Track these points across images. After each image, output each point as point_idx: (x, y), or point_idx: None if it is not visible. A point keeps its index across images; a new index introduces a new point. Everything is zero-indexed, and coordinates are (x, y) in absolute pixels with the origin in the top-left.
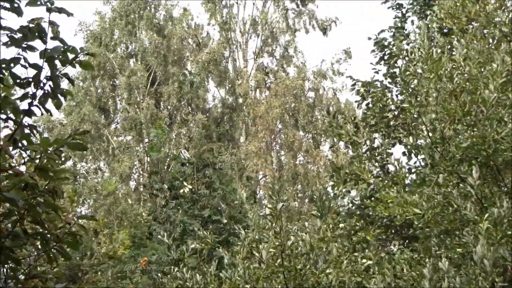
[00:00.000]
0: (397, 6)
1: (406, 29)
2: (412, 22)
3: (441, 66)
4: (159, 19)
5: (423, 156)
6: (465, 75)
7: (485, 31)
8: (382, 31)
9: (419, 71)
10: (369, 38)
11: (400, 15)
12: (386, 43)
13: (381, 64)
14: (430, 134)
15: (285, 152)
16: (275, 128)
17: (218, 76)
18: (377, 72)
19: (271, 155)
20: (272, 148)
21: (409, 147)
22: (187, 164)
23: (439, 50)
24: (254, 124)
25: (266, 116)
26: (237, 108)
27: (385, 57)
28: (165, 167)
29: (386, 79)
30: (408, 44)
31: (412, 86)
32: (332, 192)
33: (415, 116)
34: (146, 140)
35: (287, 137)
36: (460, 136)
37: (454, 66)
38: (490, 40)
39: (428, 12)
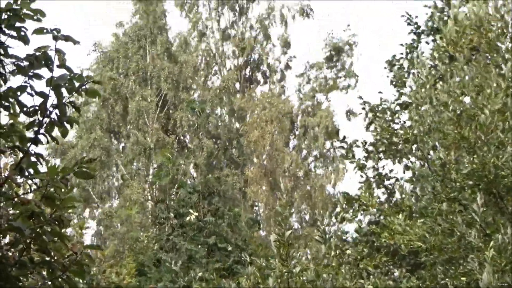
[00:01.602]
0: (415, 26)
1: (420, 49)
2: (427, 42)
3: (436, 95)
4: (172, 44)
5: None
6: (463, 101)
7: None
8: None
9: (412, 100)
10: (387, 62)
11: (414, 33)
12: (398, 65)
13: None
14: (431, 160)
15: (287, 176)
16: (272, 153)
17: (228, 103)
18: (385, 101)
19: (277, 180)
20: (275, 173)
21: (416, 172)
22: (193, 191)
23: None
24: (255, 149)
25: (261, 141)
26: (243, 134)
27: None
28: (172, 194)
29: (394, 104)
30: (416, 68)
31: (415, 113)
32: (337, 217)
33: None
34: (155, 165)
35: (284, 160)
36: (461, 164)
37: (450, 93)
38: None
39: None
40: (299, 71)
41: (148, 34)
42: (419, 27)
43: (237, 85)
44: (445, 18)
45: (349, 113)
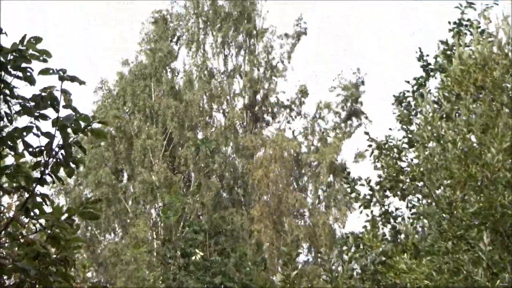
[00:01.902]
0: (425, 63)
1: (428, 86)
2: (435, 78)
3: (442, 133)
4: (178, 83)
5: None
6: (469, 140)
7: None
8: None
9: (418, 138)
10: (395, 97)
11: (423, 70)
12: (405, 102)
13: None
14: (436, 198)
15: (291, 215)
16: (276, 192)
17: (234, 142)
18: (392, 139)
19: (281, 219)
20: (279, 211)
21: (421, 210)
22: (200, 230)
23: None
24: (258, 188)
25: (265, 180)
26: (247, 173)
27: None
28: (178, 234)
29: (401, 142)
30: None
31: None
32: (344, 255)
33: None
34: (161, 204)
35: (288, 199)
36: (467, 203)
37: (457, 131)
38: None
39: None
40: (309, 104)
41: (153, 72)
42: (428, 64)
43: (245, 123)
44: (451, 54)
45: (357, 156)
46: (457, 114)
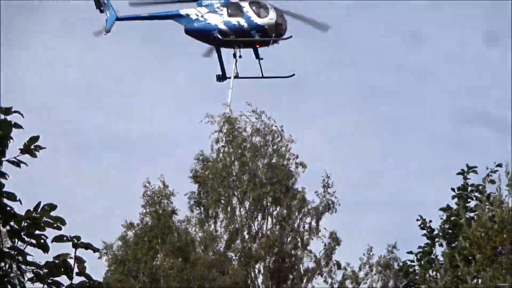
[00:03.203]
0: (428, 230)
1: (434, 253)
2: (441, 244)
3: None
4: (182, 243)
5: None
6: None
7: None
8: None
9: None
10: (399, 269)
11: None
12: (411, 270)
13: None
14: None
15: None
16: None
17: None
18: None
19: None
20: None
21: None
22: None
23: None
24: None
25: None
26: None
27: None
28: None
29: None
30: (433, 271)
31: None
32: None
33: None
34: None
35: None
36: None
37: None
38: None
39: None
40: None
41: (158, 234)
42: (432, 230)
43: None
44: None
45: None
46: (472, 278)
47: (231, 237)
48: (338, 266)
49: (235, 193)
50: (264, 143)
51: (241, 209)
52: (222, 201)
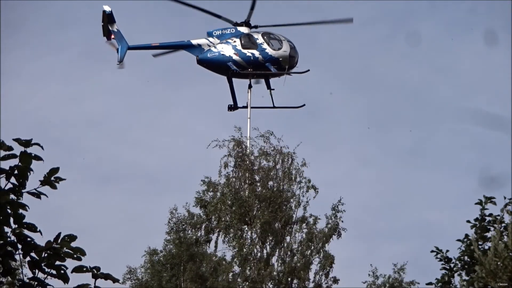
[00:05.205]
0: (445, 260)
1: (453, 284)
2: (460, 275)
3: None
4: (204, 271)
5: None
6: None
7: None
8: None
9: None
10: None
11: (447, 267)
12: None
13: None
14: None
15: None
16: None
17: None
18: None
19: None
20: None
21: None
22: None
23: None
24: None
25: None
26: None
27: None
28: None
29: None
30: None
31: None
32: None
33: None
34: None
35: None
36: None
37: None
38: None
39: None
40: None
41: (181, 262)
42: (449, 260)
43: None
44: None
45: None
46: None
47: (242, 265)
48: None
49: (246, 219)
50: (273, 166)
51: (251, 234)
52: (232, 230)
